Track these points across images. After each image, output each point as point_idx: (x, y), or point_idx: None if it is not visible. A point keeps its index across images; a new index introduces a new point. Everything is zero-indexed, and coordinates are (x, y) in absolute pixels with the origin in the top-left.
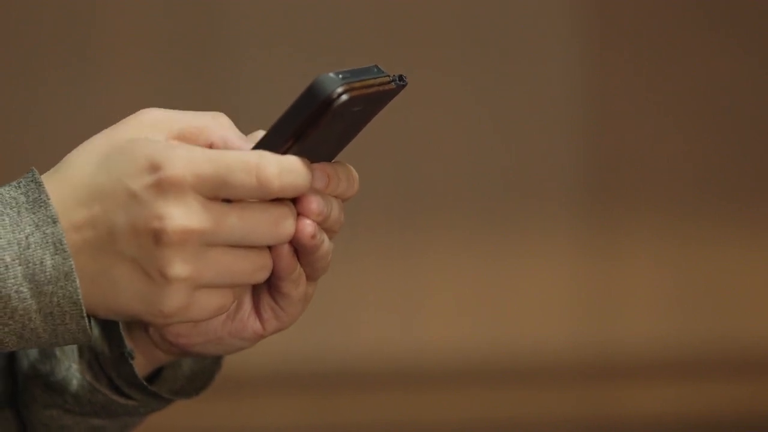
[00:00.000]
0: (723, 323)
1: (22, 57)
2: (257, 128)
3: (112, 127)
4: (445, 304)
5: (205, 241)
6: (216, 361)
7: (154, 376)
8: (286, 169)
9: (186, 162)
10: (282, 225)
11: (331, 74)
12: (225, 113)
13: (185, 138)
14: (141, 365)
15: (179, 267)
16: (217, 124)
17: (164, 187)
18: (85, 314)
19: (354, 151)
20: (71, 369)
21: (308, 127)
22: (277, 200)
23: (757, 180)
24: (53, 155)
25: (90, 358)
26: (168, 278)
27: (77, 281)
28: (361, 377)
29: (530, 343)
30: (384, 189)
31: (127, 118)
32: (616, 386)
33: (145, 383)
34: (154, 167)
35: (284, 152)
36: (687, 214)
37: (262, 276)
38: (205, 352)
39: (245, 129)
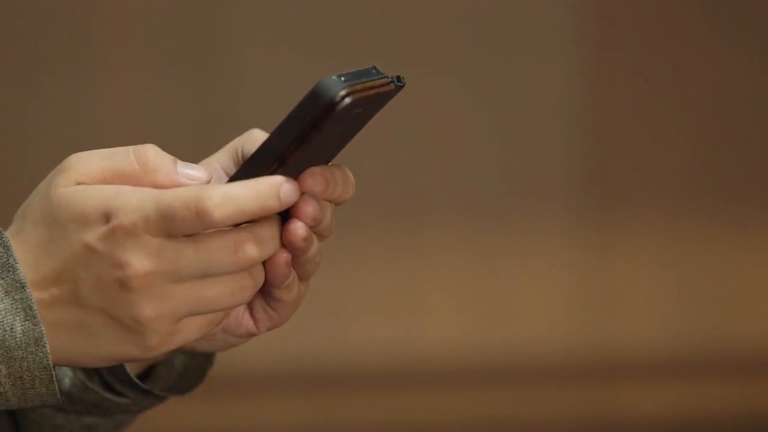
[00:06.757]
0: (723, 323)
1: (21, 57)
2: (257, 127)
3: (46, 181)
4: (444, 303)
5: (168, 279)
6: (208, 358)
7: (147, 373)
8: (229, 198)
9: (134, 207)
10: (241, 250)
11: (333, 77)
12: (225, 113)
13: (119, 180)
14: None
15: (149, 309)
16: (144, 168)
17: (118, 235)
18: (54, 379)
19: (353, 150)
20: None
21: (311, 129)
22: (254, 222)
23: (757, 180)
24: (53, 156)
25: None
26: (141, 322)
27: (47, 347)
28: (360, 377)
29: (530, 343)
30: (383, 188)
31: (57, 168)
32: (616, 386)
33: (137, 381)
34: (106, 217)
35: (287, 156)
36: (687, 214)
37: (244, 297)
38: (198, 348)
39: (245, 128)
